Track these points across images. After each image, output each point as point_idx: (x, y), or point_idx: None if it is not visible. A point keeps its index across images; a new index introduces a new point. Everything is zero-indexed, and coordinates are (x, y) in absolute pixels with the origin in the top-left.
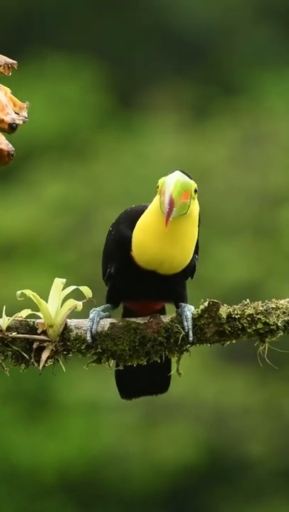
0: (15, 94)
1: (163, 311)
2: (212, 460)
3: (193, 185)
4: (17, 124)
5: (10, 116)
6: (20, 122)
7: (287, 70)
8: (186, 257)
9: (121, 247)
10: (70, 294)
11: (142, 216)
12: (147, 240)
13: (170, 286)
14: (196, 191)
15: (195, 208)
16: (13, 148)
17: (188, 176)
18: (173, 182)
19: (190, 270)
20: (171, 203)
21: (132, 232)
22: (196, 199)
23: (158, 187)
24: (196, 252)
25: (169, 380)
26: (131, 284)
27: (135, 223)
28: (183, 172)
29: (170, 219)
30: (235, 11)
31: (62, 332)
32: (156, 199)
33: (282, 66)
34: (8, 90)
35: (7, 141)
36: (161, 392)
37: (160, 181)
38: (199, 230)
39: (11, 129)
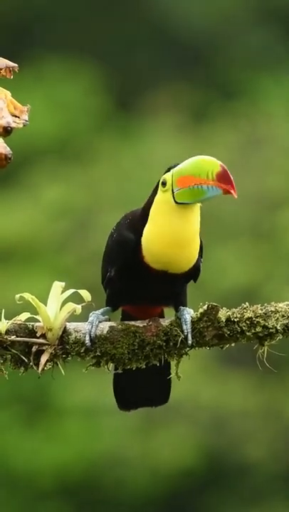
0: (14, 97)
1: (162, 316)
2: (211, 463)
3: None
4: (12, 128)
5: (5, 120)
6: (20, 125)
7: (285, 74)
8: (194, 254)
9: (125, 251)
10: (69, 297)
11: (151, 217)
12: (161, 243)
13: (173, 288)
14: None
15: (198, 208)
16: (11, 152)
17: None
18: (207, 159)
19: (195, 272)
20: (227, 174)
21: (135, 234)
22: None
23: (164, 183)
24: (200, 254)
25: (169, 391)
26: (133, 287)
27: (138, 226)
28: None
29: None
30: (234, 15)
31: (62, 335)
32: (162, 199)
33: (281, 70)
34: (9, 94)
35: (5, 145)
36: (161, 404)
37: (167, 177)
38: (204, 236)
39: (6, 132)
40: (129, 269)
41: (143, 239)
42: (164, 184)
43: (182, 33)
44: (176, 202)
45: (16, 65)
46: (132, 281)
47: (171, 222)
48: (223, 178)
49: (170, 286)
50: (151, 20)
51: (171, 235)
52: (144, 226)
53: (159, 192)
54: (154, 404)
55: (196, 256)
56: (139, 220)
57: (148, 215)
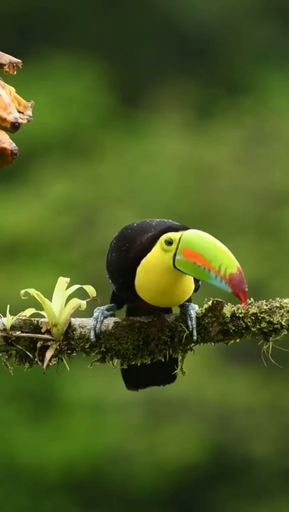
0: (19, 93)
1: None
2: (216, 459)
3: None
4: (19, 123)
5: (12, 115)
6: (24, 121)
7: None
8: (187, 295)
9: (122, 277)
10: (74, 293)
11: (144, 266)
12: (150, 294)
13: None
14: None
15: None
16: (17, 148)
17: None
18: (224, 251)
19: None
20: (242, 280)
21: (133, 265)
22: None
23: (170, 243)
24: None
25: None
26: (134, 296)
27: (133, 263)
28: (186, 227)
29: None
30: (239, 9)
31: (66, 331)
32: (158, 255)
33: (287, 65)
34: (13, 89)
35: (10, 140)
36: (169, 383)
37: (173, 237)
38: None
39: (13, 128)
40: (127, 288)
41: (136, 282)
42: (169, 243)
43: (188, 28)
44: (174, 266)
45: (20, 60)
46: (131, 294)
47: (162, 282)
48: (238, 283)
49: None
50: (157, 16)
51: (162, 292)
52: (137, 266)
53: (160, 247)
54: (162, 383)
55: (189, 294)
56: (134, 255)
57: (142, 257)
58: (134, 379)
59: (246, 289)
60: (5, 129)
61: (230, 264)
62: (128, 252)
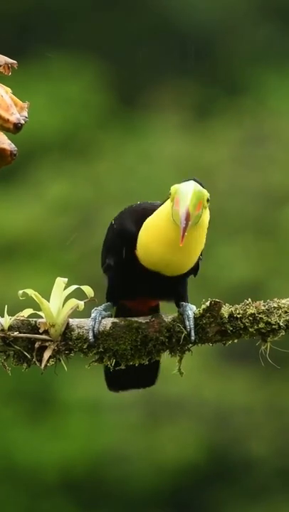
0: (17, 93)
1: (157, 309)
2: (214, 459)
3: (206, 194)
4: (22, 124)
5: (15, 116)
6: (23, 122)
7: None
8: (192, 261)
9: (124, 243)
10: (71, 293)
11: (151, 218)
12: (154, 245)
13: (171, 284)
14: (208, 200)
15: (206, 217)
16: (16, 148)
17: (201, 184)
18: (189, 193)
19: (194, 269)
20: (188, 217)
21: (137, 229)
22: (208, 207)
23: (170, 194)
24: (201, 253)
25: (157, 373)
26: (130, 279)
27: (141, 222)
28: (195, 180)
29: (185, 233)
30: (239, 9)
31: (64, 331)
32: (168, 205)
33: (285, 65)
34: (9, 90)
35: (9, 141)
36: (149, 385)
37: (173, 188)
38: (207, 233)
39: (16, 129)
40: (126, 261)
41: (141, 232)
42: (170, 194)
43: (186, 28)
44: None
45: (15, 61)
46: (129, 273)
47: (168, 233)
48: (184, 219)
49: (167, 283)
50: (155, 16)
51: (165, 243)
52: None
53: (169, 199)
54: (142, 386)
55: (194, 262)
56: (144, 215)
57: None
58: (117, 381)
59: (184, 229)
60: (7, 130)
61: (186, 201)
62: (135, 213)
